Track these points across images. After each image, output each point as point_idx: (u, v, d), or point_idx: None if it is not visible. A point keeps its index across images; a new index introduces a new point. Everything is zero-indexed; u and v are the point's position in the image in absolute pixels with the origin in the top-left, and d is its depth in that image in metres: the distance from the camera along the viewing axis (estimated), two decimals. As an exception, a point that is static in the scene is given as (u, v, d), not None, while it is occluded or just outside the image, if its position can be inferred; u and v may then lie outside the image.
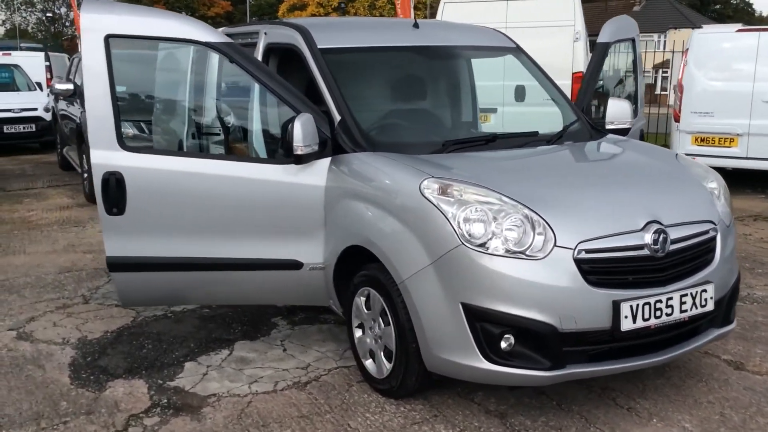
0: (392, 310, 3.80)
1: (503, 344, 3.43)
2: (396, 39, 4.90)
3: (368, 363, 4.14)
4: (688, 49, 10.65)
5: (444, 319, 3.54)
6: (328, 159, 4.23)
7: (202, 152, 4.70)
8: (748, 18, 79.00)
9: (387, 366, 3.94)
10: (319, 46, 4.55)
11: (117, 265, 4.24)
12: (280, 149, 4.25)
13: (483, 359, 3.46)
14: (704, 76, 10.46)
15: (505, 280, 3.39)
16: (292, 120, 4.10)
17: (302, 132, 4.01)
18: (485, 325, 3.43)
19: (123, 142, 4.11)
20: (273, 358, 4.60)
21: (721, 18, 74.55)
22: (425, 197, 3.59)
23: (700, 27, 12.83)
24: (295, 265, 4.34)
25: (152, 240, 4.23)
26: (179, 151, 4.64)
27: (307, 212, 4.27)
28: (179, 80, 4.84)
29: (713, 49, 10.48)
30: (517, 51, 5.33)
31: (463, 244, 3.43)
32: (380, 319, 3.96)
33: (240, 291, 4.49)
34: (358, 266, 4.14)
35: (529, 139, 4.59)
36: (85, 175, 9.95)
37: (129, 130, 4.25)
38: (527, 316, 3.38)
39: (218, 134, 4.74)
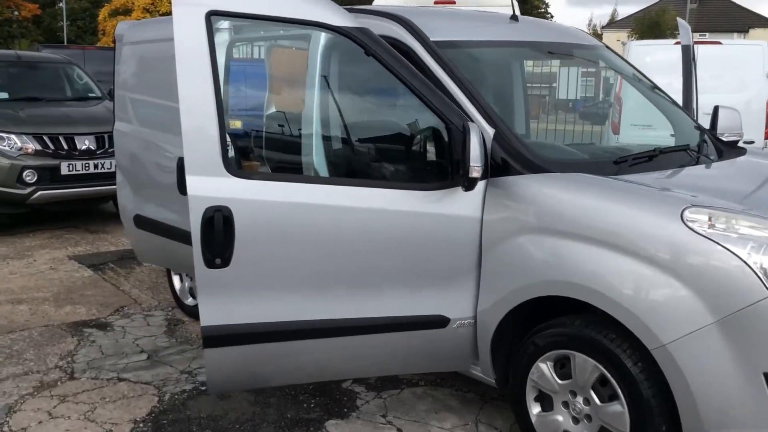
0: (625, 382, 2.88)
1: (822, 424, 2.63)
2: (509, 33, 3.98)
3: (557, 448, 3.19)
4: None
5: (733, 395, 2.67)
6: (482, 183, 3.25)
7: (335, 177, 3.51)
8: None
9: (605, 456, 3.01)
10: (432, 40, 3.55)
11: (217, 338, 2.99)
12: (420, 169, 3.23)
13: (796, 446, 2.63)
14: (642, 89, 10.31)
15: (829, 341, 2.58)
16: (432, 131, 3.16)
17: (479, 148, 3.01)
18: (801, 402, 2.61)
19: (231, 164, 2.89)
20: (394, 443, 3.52)
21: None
22: (696, 232, 2.71)
23: None
24: (440, 322, 3.32)
25: (266, 300, 3.04)
26: (304, 175, 3.44)
27: (455, 252, 3.28)
28: (298, 77, 3.62)
29: (650, 61, 10.35)
30: (605, 50, 4.61)
31: (773, 294, 2.58)
32: (592, 393, 3.02)
33: (369, 361, 3.37)
34: (532, 321, 3.21)
35: (687, 155, 3.84)
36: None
37: (236, 146, 3.01)
38: None
39: (352, 152, 3.56)
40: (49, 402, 3.93)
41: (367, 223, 3.13)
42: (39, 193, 7.71)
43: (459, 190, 3.17)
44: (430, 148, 3.23)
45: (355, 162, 3.55)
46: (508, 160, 3.25)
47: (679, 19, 5.44)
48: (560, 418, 3.17)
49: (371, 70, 3.39)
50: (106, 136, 8.09)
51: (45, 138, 7.76)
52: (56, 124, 7.99)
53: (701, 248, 2.69)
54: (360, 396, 4.00)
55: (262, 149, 3.51)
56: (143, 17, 44.80)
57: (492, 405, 3.90)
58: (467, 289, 3.32)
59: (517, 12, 4.12)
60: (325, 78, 3.71)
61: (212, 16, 2.84)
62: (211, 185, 2.87)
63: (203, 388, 4.10)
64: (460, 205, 3.23)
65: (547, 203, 3.10)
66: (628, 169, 3.41)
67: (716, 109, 4.54)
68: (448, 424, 3.71)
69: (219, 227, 2.86)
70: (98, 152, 8.05)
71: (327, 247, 3.08)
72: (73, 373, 4.31)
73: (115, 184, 8.00)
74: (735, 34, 42.18)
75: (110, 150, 8.08)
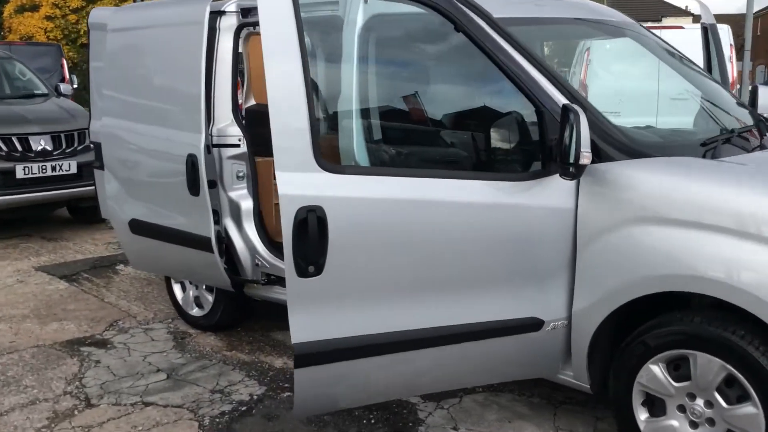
0: (758, 382, 2.65)
1: None
2: (562, 10, 3.71)
3: (673, 457, 2.94)
4: (589, 48, 10.36)
5: None
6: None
7: (434, 169, 3.13)
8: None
9: (740, 465, 2.77)
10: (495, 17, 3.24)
11: (311, 356, 2.61)
12: (511, 157, 2.94)
13: None
14: (608, 74, 10.24)
15: None
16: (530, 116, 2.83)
17: (588, 132, 2.72)
18: None
19: (322, 159, 2.52)
20: (480, 460, 3.21)
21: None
22: None
23: None
24: (534, 325, 3.03)
25: (359, 311, 2.69)
26: (399, 168, 3.06)
27: (547, 248, 3.00)
28: (391, 56, 3.22)
29: (610, 48, 10.29)
30: (642, 28, 4.43)
31: None
32: (716, 395, 2.78)
33: (454, 371, 3.04)
34: (629, 320, 2.97)
35: (752, 136, 3.66)
36: None
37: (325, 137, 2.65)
38: None
39: (448, 140, 3.21)
40: (73, 436, 3.46)
41: (461, 218, 2.81)
42: (-7, 200, 7.05)
43: (554, 179, 2.88)
44: (519, 135, 2.93)
45: (443, 152, 3.22)
46: (602, 146, 2.97)
47: (699, 1, 5.27)
48: (675, 423, 2.92)
49: (443, 51, 3.08)
50: (62, 135, 7.50)
51: (-4, 139, 7.10)
52: (7, 123, 7.30)
53: None
54: (420, 408, 3.68)
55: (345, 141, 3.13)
56: (52, 13, 42.74)
57: (563, 409, 3.64)
58: (560, 288, 3.04)
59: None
60: (376, 59, 3.36)
61: (299, -4, 2.46)
62: (302, 181, 2.49)
63: (243, 408, 3.69)
64: (552, 195, 2.94)
65: (659, 191, 2.83)
66: (718, 151, 3.19)
67: (755, 88, 4.40)
68: (527, 433, 3.43)
69: (313, 230, 2.49)
70: (55, 153, 7.41)
71: (425, 248, 2.76)
72: (89, 399, 3.83)
73: (75, 187, 7.53)
74: (649, 23, 43.25)
75: (68, 150, 7.49)
